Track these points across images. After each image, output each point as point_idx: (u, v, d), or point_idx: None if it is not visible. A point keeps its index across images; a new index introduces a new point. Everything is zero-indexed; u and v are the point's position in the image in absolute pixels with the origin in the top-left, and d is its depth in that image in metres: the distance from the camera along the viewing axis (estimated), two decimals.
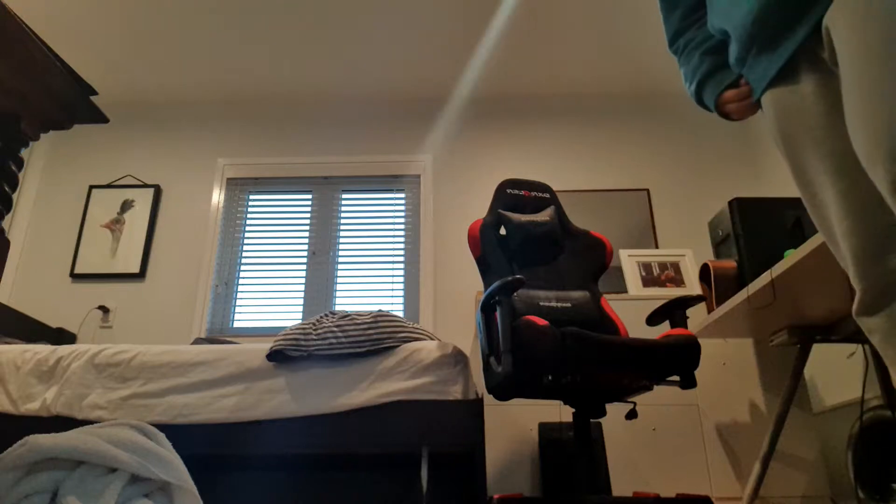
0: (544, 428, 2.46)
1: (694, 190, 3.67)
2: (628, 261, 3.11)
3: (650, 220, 3.56)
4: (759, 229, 2.45)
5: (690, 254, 3.15)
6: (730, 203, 2.50)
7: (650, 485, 2.47)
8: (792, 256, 1.78)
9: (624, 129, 3.85)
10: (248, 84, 3.82)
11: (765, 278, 1.92)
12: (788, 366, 2.59)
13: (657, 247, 3.48)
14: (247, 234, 3.69)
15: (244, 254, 3.64)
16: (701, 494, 2.33)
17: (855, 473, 1.71)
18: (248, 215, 3.74)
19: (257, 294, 3.54)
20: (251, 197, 3.79)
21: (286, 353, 2.08)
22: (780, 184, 3.44)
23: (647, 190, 3.65)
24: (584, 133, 3.86)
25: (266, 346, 2.16)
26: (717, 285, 2.39)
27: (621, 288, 3.28)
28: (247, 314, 3.49)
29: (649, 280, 3.05)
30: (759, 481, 2.14)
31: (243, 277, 3.58)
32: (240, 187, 3.79)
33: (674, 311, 2.02)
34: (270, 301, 3.52)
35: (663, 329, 2.73)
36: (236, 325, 3.46)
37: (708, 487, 2.44)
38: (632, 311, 2.73)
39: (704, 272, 2.52)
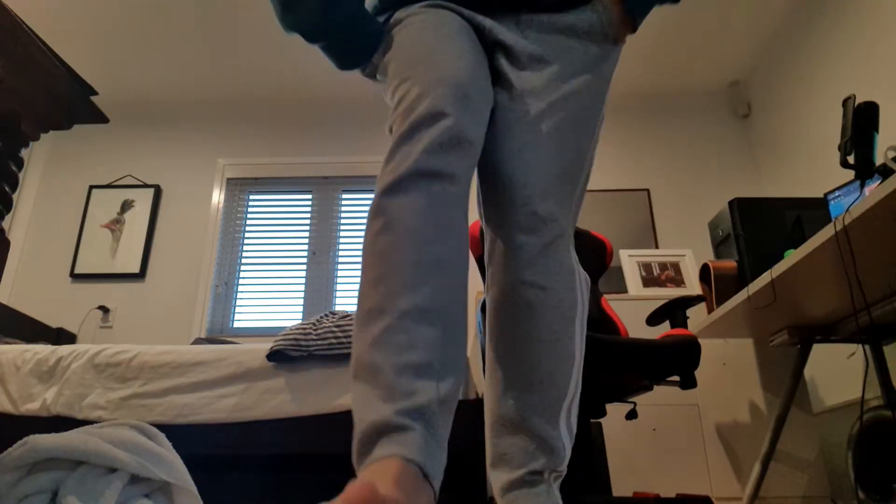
0: None
1: (694, 190, 3.67)
2: (628, 261, 3.11)
3: (650, 220, 3.56)
4: (759, 229, 2.45)
5: (690, 254, 3.15)
6: (730, 203, 2.50)
7: (650, 485, 2.47)
8: (792, 256, 1.78)
9: (624, 130, 3.85)
10: (248, 84, 3.82)
11: (765, 278, 1.92)
12: (788, 366, 2.59)
13: (657, 247, 3.48)
14: (247, 234, 3.69)
15: (244, 254, 3.64)
16: (701, 495, 2.33)
17: (855, 474, 1.71)
18: (248, 215, 3.74)
19: (257, 294, 3.54)
20: (251, 197, 3.79)
21: (286, 353, 2.08)
22: (780, 184, 3.44)
23: (647, 190, 3.65)
24: None
25: (266, 346, 2.16)
26: (718, 285, 2.39)
27: (621, 288, 3.28)
28: (247, 314, 3.49)
29: (649, 280, 3.05)
30: (759, 481, 2.14)
31: (243, 277, 3.58)
32: (240, 187, 3.79)
33: (674, 311, 2.02)
34: (270, 301, 3.52)
35: (663, 329, 2.73)
36: (236, 325, 3.46)
37: (708, 487, 2.44)
38: (632, 311, 2.73)
39: (704, 272, 2.52)
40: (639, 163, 3.75)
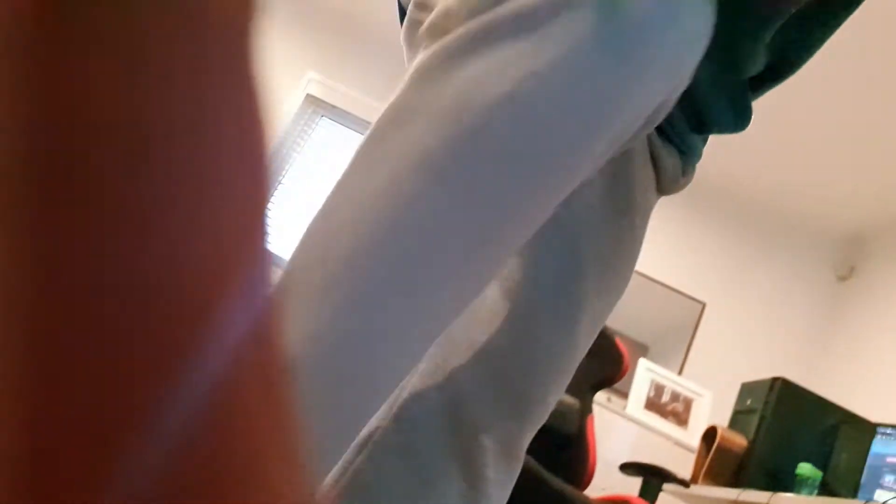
0: None
1: (754, 330, 3.33)
2: (644, 374, 2.86)
3: (691, 336, 3.27)
4: (788, 421, 2.18)
5: (710, 398, 2.87)
6: (773, 379, 2.23)
7: None
8: None
9: (699, 229, 3.51)
10: None
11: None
12: None
13: (683, 366, 3.19)
14: None
15: None
16: None
17: None
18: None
19: None
20: None
21: None
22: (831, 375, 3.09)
23: (704, 304, 3.33)
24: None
25: None
26: (717, 457, 2.14)
27: (622, 393, 3.01)
28: None
29: (653, 405, 2.80)
30: None
31: None
32: None
33: (650, 476, 1.81)
34: None
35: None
36: None
37: None
38: (623, 430, 2.51)
39: (710, 434, 2.27)
40: (702, 274, 3.41)
